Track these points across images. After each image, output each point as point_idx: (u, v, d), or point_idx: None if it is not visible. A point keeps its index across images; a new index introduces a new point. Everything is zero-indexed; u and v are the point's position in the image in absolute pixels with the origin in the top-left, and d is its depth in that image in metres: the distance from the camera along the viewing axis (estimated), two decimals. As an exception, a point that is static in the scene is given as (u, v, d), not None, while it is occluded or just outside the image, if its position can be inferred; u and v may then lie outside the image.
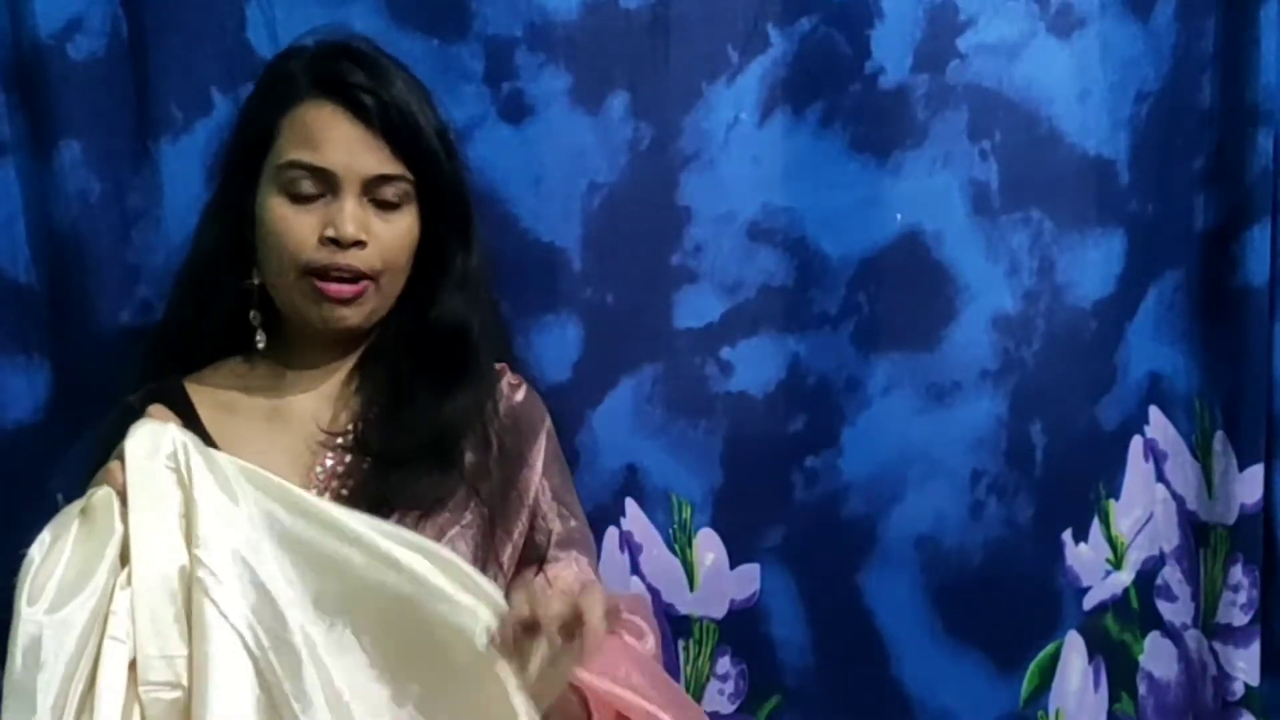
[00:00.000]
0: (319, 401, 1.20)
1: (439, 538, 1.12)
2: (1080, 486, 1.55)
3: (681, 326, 1.45)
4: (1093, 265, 1.50)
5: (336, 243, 1.11)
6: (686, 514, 1.47)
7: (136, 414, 1.17)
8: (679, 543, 1.47)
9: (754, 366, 1.46)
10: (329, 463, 1.15)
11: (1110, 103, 1.49)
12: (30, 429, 1.37)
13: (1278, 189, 1.54)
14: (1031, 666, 1.53)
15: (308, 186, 1.12)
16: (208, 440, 1.15)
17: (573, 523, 1.23)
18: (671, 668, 1.45)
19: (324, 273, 1.12)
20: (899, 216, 1.46)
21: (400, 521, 1.10)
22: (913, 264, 1.46)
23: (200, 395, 1.19)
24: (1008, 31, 1.45)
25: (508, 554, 1.17)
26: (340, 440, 1.16)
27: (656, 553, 1.46)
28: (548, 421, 1.25)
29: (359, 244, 1.12)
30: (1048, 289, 1.49)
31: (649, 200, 1.43)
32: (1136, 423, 1.58)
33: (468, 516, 1.15)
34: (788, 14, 1.44)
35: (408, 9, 1.37)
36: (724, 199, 1.44)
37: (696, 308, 1.45)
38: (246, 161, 1.16)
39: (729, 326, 1.46)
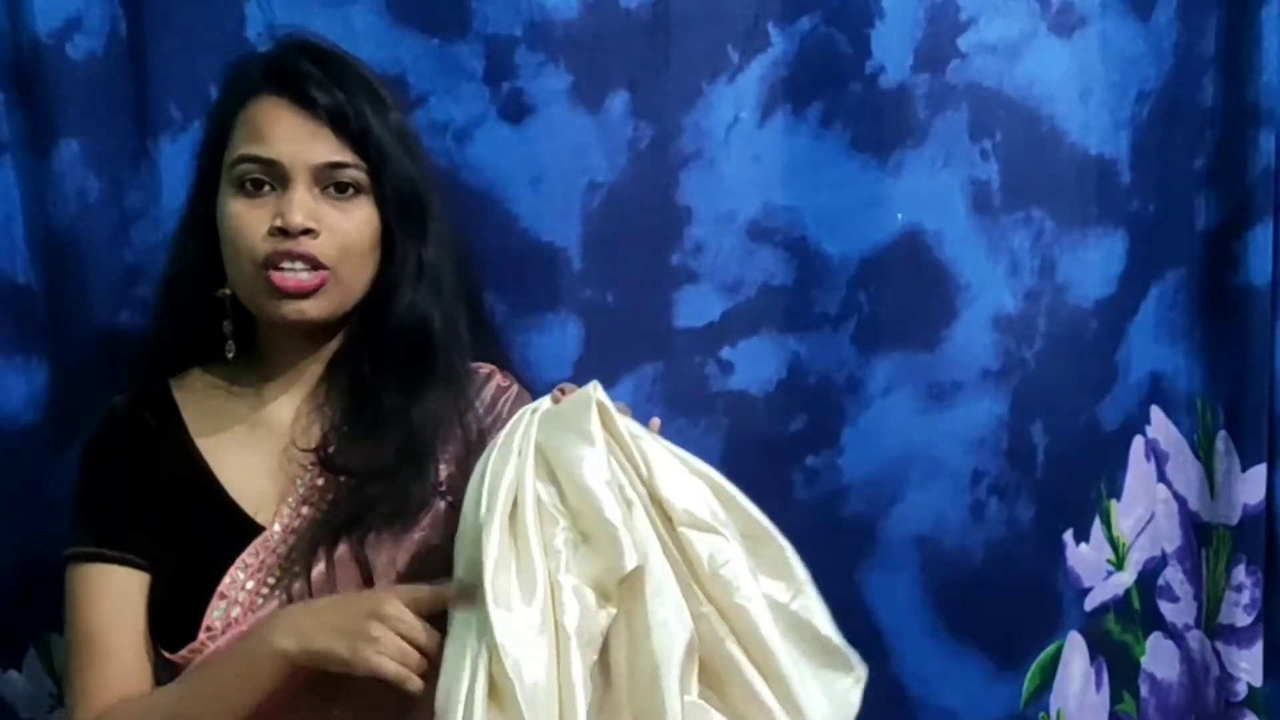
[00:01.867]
0: (295, 413, 1.18)
1: (421, 549, 1.12)
2: (1081, 487, 1.55)
3: (681, 326, 1.44)
4: (1094, 265, 1.50)
5: (286, 233, 1.09)
6: (686, 514, 1.46)
7: (120, 417, 1.17)
8: (679, 543, 1.46)
9: (754, 366, 1.46)
10: (308, 476, 1.15)
11: (1111, 102, 1.49)
12: (28, 429, 1.36)
13: (1279, 188, 1.53)
14: (1033, 667, 1.52)
15: (258, 180, 1.11)
16: (191, 444, 1.16)
17: None
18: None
19: (277, 265, 1.10)
20: (900, 216, 1.45)
21: (378, 537, 1.09)
22: (913, 264, 1.46)
23: (185, 398, 1.18)
24: (1009, 31, 1.45)
25: None
26: (314, 460, 1.15)
27: (657, 553, 1.46)
28: None
29: (310, 232, 1.10)
30: (1049, 288, 1.48)
31: (649, 200, 1.42)
32: (1138, 423, 1.58)
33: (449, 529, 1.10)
34: (788, 13, 1.43)
35: (408, 9, 1.37)
36: (724, 198, 1.44)
37: (696, 307, 1.44)
38: (209, 166, 1.15)
39: (729, 326, 1.45)
